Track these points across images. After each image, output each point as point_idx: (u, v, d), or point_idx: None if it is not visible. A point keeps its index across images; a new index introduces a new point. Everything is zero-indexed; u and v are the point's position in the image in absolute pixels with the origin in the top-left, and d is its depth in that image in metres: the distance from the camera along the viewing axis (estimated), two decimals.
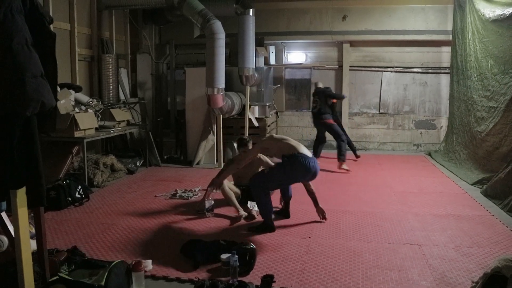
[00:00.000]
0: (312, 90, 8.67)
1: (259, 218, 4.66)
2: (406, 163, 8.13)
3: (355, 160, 8.21)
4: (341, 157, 7.40)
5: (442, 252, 3.84)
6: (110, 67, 7.62)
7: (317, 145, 8.06)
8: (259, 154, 5.37)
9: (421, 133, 9.52)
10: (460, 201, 5.54)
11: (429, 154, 8.87)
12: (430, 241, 4.10)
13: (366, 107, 9.52)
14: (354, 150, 8.38)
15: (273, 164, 5.19)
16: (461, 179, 6.66)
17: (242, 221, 4.66)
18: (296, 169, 4.29)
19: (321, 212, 4.68)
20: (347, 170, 7.27)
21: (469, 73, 7.28)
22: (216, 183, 4.75)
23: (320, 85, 8.16)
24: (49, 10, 6.10)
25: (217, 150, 7.64)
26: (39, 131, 2.81)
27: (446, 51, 9.01)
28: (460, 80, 7.85)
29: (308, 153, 4.38)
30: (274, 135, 4.43)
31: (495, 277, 2.90)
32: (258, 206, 4.48)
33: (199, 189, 5.92)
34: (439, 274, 3.39)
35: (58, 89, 5.99)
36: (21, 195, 2.64)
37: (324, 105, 7.79)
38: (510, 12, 5.71)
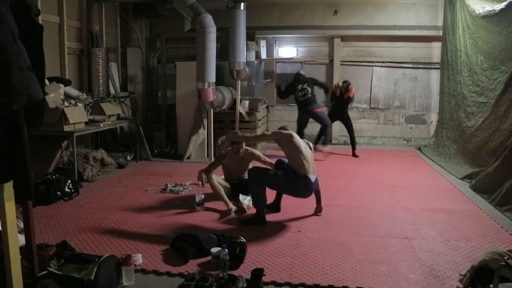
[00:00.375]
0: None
1: (249, 211, 4.67)
2: (396, 157, 8.17)
3: (356, 156, 8.21)
4: (321, 142, 7.74)
5: (431, 245, 3.87)
6: (100, 60, 7.55)
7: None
8: (252, 149, 5.40)
9: (411, 128, 9.56)
10: (449, 195, 5.59)
11: (419, 149, 8.93)
12: (419, 235, 4.13)
13: (356, 102, 9.52)
14: (354, 147, 8.31)
15: (269, 160, 5.22)
16: (450, 173, 6.72)
17: (233, 215, 4.65)
18: (298, 189, 4.32)
19: (318, 210, 4.71)
20: (326, 154, 7.59)
21: (460, 69, 7.32)
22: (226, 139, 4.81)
23: (303, 73, 8.24)
24: (37, 2, 6.02)
25: (207, 144, 7.62)
26: (27, 125, 2.78)
27: (436, 46, 9.05)
28: (450, 75, 7.90)
29: (314, 173, 4.37)
30: (294, 136, 4.34)
31: (482, 270, 2.94)
32: (252, 197, 4.48)
33: (190, 183, 5.91)
34: (428, 267, 3.41)
35: (47, 82, 5.93)
36: (8, 189, 2.61)
37: (314, 94, 7.85)
38: (500, 8, 5.74)
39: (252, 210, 4.57)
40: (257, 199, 4.39)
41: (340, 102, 8.20)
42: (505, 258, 2.79)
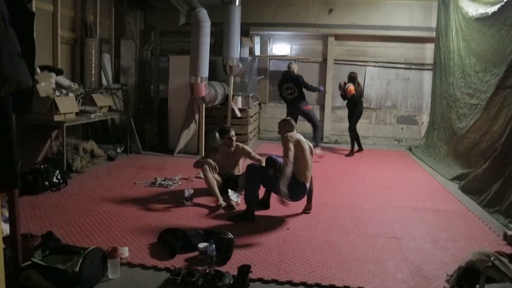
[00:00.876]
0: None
1: (238, 208, 4.64)
2: (387, 157, 8.18)
3: (358, 151, 8.29)
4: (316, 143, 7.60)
5: (418, 245, 3.86)
6: (93, 51, 7.46)
7: None
8: (243, 145, 5.40)
9: (402, 128, 9.58)
10: (438, 195, 5.60)
11: (410, 149, 8.94)
12: (408, 234, 4.13)
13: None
14: (353, 145, 8.32)
15: (258, 157, 5.20)
16: (440, 174, 6.73)
17: (221, 211, 4.62)
18: (295, 194, 4.30)
19: (308, 209, 4.68)
20: (320, 155, 7.45)
21: (452, 70, 7.32)
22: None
23: (294, 68, 7.97)
24: None
25: (198, 139, 7.57)
26: (15, 112, 2.73)
27: (429, 47, 9.05)
28: (442, 77, 7.90)
29: (309, 179, 4.43)
30: (303, 142, 4.34)
31: (469, 271, 2.93)
32: (245, 193, 4.40)
33: (179, 178, 5.86)
34: (415, 266, 3.41)
35: (38, 70, 5.86)
36: None
37: (301, 92, 7.76)
38: (493, 11, 5.75)
39: (241, 207, 4.54)
40: (250, 196, 4.36)
41: (348, 101, 8.28)
42: (492, 259, 2.79)
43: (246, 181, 4.42)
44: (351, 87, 8.01)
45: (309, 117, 7.92)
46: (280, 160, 4.41)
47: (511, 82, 5.22)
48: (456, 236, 4.12)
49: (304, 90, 7.79)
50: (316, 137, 7.84)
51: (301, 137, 4.42)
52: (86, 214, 4.38)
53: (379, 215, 4.71)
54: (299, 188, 4.32)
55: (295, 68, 8.01)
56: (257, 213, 4.44)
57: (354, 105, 8.20)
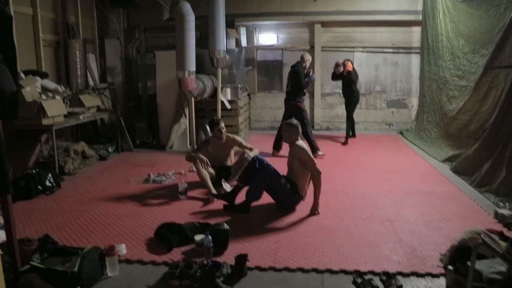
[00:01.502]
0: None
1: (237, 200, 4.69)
2: (379, 142, 8.27)
3: (351, 137, 8.33)
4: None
5: (412, 227, 3.96)
6: (77, 52, 7.45)
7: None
8: (234, 136, 5.45)
9: (392, 112, 9.67)
10: (431, 178, 5.70)
11: (401, 133, 9.05)
12: (401, 217, 4.22)
13: (338, 88, 9.53)
14: (348, 133, 8.27)
15: (249, 146, 5.27)
16: (432, 156, 6.84)
17: (216, 203, 4.67)
18: (292, 205, 4.49)
19: (315, 209, 4.40)
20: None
21: (441, 53, 7.40)
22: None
23: (308, 61, 7.10)
24: None
25: (189, 133, 7.62)
26: (1, 118, 2.75)
27: (416, 31, 9.13)
28: (431, 59, 7.98)
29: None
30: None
31: (462, 249, 3.02)
32: (251, 188, 4.41)
33: (173, 173, 5.91)
34: (409, 248, 3.50)
35: (23, 75, 5.85)
36: None
37: (295, 85, 6.96)
38: None
39: (245, 196, 4.49)
40: (253, 193, 4.39)
41: (343, 81, 8.22)
42: (482, 236, 2.88)
43: (256, 178, 4.35)
44: (350, 62, 8.10)
45: (296, 116, 6.28)
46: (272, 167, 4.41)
47: (499, 62, 5.30)
48: (449, 217, 4.22)
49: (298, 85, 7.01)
50: (310, 138, 6.86)
51: (305, 145, 4.49)
52: (81, 215, 4.42)
53: (373, 199, 4.80)
54: (297, 201, 4.49)
55: (307, 60, 7.11)
56: (252, 204, 4.48)
57: (350, 93, 8.15)
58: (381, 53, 9.48)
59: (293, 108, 7.00)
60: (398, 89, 9.59)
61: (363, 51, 9.52)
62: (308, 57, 7.12)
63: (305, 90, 7.14)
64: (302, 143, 4.50)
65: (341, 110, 9.57)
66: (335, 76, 8.38)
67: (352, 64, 8.29)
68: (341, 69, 8.18)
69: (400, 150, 7.51)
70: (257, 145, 5.94)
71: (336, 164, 6.52)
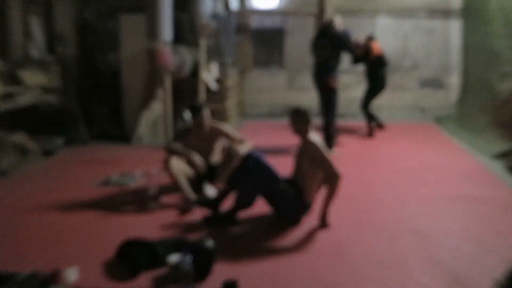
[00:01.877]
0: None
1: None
2: (409, 132, 8.30)
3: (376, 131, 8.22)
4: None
5: (453, 244, 3.90)
6: (16, 14, 7.37)
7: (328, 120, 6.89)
8: (220, 125, 5.42)
9: (426, 94, 9.64)
10: (477, 179, 5.67)
11: (438, 121, 9.03)
12: (438, 231, 4.17)
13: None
14: (370, 123, 8.15)
15: (239, 137, 5.22)
16: (479, 151, 6.79)
17: (196, 212, 4.60)
18: (296, 216, 4.39)
19: (323, 219, 4.40)
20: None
21: (490, 18, 7.33)
22: None
23: (339, 21, 6.93)
24: None
25: (164, 122, 7.58)
26: None
27: None
28: (476, 26, 7.92)
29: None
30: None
31: None
32: (241, 193, 4.37)
33: (140, 173, 5.88)
34: (450, 272, 3.43)
35: None
36: None
37: (335, 56, 6.76)
38: None
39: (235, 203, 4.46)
40: (243, 199, 4.34)
41: (369, 63, 8.11)
42: None
43: (252, 185, 4.33)
44: (377, 44, 7.93)
45: (325, 97, 6.80)
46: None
47: None
48: (503, 231, 4.16)
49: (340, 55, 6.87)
50: (330, 136, 6.83)
51: (319, 139, 4.40)
52: (18, 228, 4.35)
53: (401, 207, 4.76)
54: (304, 212, 4.40)
55: (339, 20, 6.96)
56: (242, 214, 4.43)
57: (379, 77, 8.08)
58: (411, 18, 9.44)
59: (326, 87, 6.77)
60: (433, 64, 9.58)
61: (388, 16, 9.47)
62: (340, 21, 6.92)
63: None
64: (316, 136, 4.41)
65: (360, 92, 9.52)
66: (357, 59, 8.02)
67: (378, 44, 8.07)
68: (361, 52, 7.82)
69: (437, 143, 7.50)
70: (251, 136, 5.89)
71: (356, 160, 6.53)
